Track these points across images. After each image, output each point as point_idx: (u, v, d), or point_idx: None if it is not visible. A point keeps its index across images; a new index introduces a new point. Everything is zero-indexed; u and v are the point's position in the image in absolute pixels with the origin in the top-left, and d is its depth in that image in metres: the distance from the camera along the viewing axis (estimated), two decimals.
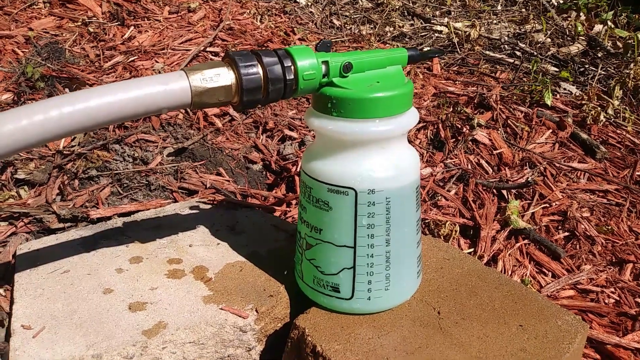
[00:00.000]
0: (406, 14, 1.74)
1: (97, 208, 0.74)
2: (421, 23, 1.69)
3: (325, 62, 0.48)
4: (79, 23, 1.20)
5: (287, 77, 0.46)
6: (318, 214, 0.53)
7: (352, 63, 0.49)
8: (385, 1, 1.74)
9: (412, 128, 0.53)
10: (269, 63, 0.45)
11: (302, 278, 0.57)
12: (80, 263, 0.62)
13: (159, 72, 1.01)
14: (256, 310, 0.55)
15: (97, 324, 0.52)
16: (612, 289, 0.72)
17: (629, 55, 1.55)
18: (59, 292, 0.57)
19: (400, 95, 0.50)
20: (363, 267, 0.52)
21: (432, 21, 1.68)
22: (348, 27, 1.55)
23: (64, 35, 1.12)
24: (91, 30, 1.17)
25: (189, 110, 0.95)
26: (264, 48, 1.16)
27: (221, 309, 0.55)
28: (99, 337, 0.51)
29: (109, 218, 0.74)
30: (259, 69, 0.45)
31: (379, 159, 0.51)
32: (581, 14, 2.00)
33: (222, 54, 1.18)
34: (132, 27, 1.22)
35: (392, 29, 1.56)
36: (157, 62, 1.07)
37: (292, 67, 0.46)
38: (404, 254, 0.54)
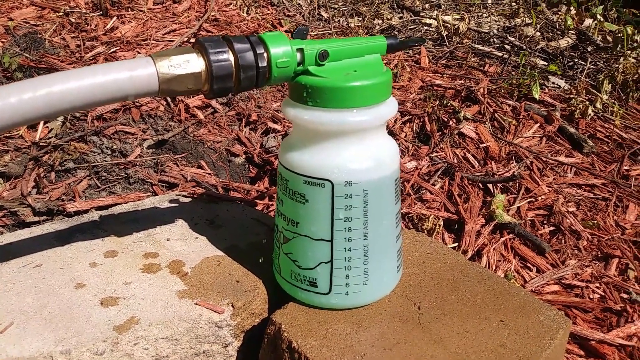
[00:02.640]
0: (395, 6, 1.73)
1: (74, 201, 0.73)
2: (410, 16, 1.67)
3: (301, 50, 0.47)
4: (61, 13, 1.18)
5: (260, 65, 0.44)
6: (294, 206, 0.51)
7: (329, 51, 0.48)
8: None
9: (390, 118, 0.52)
10: (240, 50, 0.43)
11: (280, 272, 0.55)
12: (54, 257, 0.61)
13: None
14: (232, 306, 0.54)
15: (68, 319, 0.51)
16: (597, 284, 0.71)
17: (618, 49, 1.54)
18: (30, 286, 0.55)
19: (378, 84, 0.48)
20: (340, 261, 0.51)
21: (421, 14, 1.67)
22: (336, 20, 1.54)
23: (44, 25, 1.10)
24: (73, 20, 1.15)
25: (169, 101, 0.93)
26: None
27: (196, 304, 0.54)
28: (68, 333, 0.49)
29: (86, 211, 0.72)
30: (229, 56, 0.43)
31: (356, 150, 0.49)
32: (572, 8, 1.99)
33: None
34: (115, 18, 1.20)
35: (380, 21, 1.54)
36: (139, 52, 1.05)
37: (265, 54, 0.45)
38: (382, 248, 0.53)
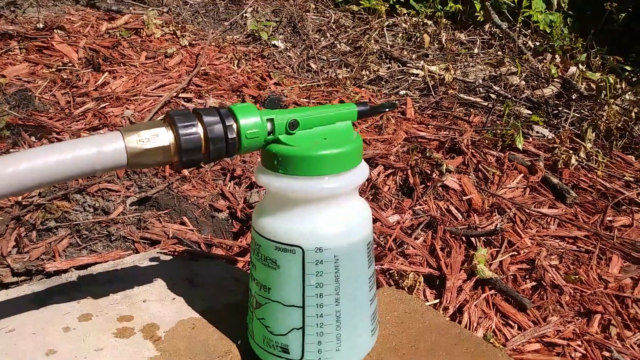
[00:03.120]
0: (384, 57, 1.77)
1: (54, 261, 0.73)
2: (398, 66, 1.71)
3: (271, 120, 0.48)
4: (53, 69, 1.21)
5: (229, 136, 0.45)
6: (266, 272, 0.51)
7: (299, 120, 0.49)
8: (363, 45, 1.77)
9: (361, 183, 0.52)
10: (209, 122, 0.45)
11: (253, 337, 0.55)
12: (28, 321, 0.60)
13: (129, 120, 1.01)
14: None
15: None
16: (579, 342, 0.70)
17: (602, 97, 1.58)
18: (1, 352, 0.55)
19: (348, 152, 0.49)
20: (312, 327, 0.51)
21: (408, 64, 1.71)
22: (325, 71, 1.57)
23: (35, 82, 1.12)
24: (64, 76, 1.17)
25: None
26: (237, 93, 1.17)
27: None
28: None
29: (65, 271, 0.72)
30: (198, 129, 0.44)
31: (327, 216, 0.50)
32: (556, 56, 2.04)
33: (195, 100, 1.18)
34: (106, 73, 1.22)
35: (368, 72, 1.58)
36: (127, 108, 1.07)
37: (235, 126, 0.46)
38: (355, 313, 0.53)
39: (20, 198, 0.79)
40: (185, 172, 0.94)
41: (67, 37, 1.37)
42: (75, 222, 0.77)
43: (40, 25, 1.41)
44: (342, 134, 0.51)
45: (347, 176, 0.50)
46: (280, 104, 0.51)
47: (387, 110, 0.57)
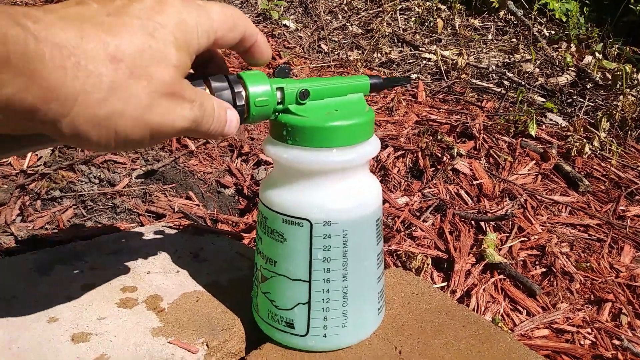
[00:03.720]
0: (396, 40, 1.74)
1: (58, 230, 0.72)
2: (410, 50, 1.68)
3: (281, 89, 0.46)
4: None
5: (238, 103, 0.44)
6: (273, 245, 0.50)
7: (310, 90, 0.47)
8: (375, 27, 1.74)
9: (372, 157, 0.51)
10: (218, 88, 0.43)
11: (258, 312, 0.54)
12: (30, 289, 0.60)
13: None
14: (207, 345, 0.53)
15: (36, 355, 0.49)
16: (589, 330, 0.69)
17: (617, 87, 1.55)
18: (2, 319, 0.54)
19: (360, 124, 0.48)
20: (318, 302, 0.50)
21: (420, 48, 1.68)
22: (336, 52, 1.55)
23: None
24: None
25: None
26: (245, 70, 1.15)
27: (169, 342, 0.52)
28: None
29: (70, 241, 0.71)
30: None
31: (336, 189, 0.49)
32: (572, 45, 2.00)
33: None
34: None
35: (380, 55, 1.56)
36: None
37: (244, 93, 0.44)
38: (363, 289, 0.51)
39: (25, 166, 0.78)
40: (192, 147, 0.92)
41: None
42: (80, 193, 0.76)
43: None
44: (354, 106, 0.50)
45: (358, 149, 0.48)
46: (290, 74, 0.49)
47: (401, 84, 0.56)
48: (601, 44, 1.96)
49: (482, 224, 0.86)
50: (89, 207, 0.76)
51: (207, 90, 0.43)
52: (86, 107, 0.32)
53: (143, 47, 0.34)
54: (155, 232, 0.73)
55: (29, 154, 0.79)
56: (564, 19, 2.26)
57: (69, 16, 0.32)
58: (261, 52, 0.45)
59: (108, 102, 0.32)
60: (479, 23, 2.08)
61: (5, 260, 0.66)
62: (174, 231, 0.74)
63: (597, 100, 1.50)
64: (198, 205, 0.82)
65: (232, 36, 0.41)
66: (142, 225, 0.78)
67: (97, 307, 0.57)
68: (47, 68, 0.29)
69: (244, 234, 0.77)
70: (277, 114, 0.47)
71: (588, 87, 1.61)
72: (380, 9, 1.95)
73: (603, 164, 1.14)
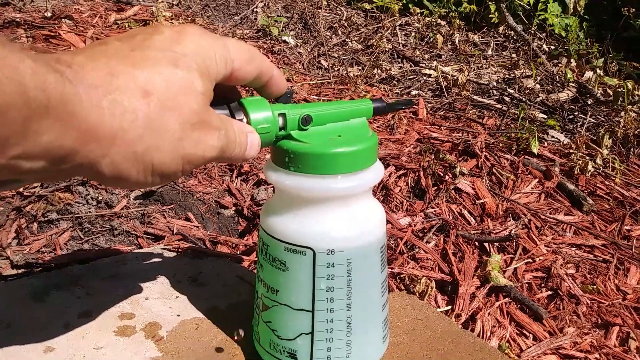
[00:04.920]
0: (396, 56, 1.74)
1: (54, 254, 0.71)
2: (410, 66, 1.68)
3: (283, 115, 0.45)
4: None
5: None
6: (274, 273, 0.49)
7: (312, 115, 0.46)
8: (375, 43, 1.74)
9: (376, 183, 0.50)
10: None
11: (259, 341, 0.53)
12: (26, 316, 0.58)
13: None
14: None
15: None
16: (597, 355, 0.68)
17: (619, 103, 1.54)
18: None
19: (363, 150, 0.47)
20: (322, 332, 0.48)
21: (420, 64, 1.68)
22: (336, 69, 1.55)
23: None
24: None
25: None
26: (246, 87, 1.14)
27: None
28: None
29: (66, 265, 0.69)
30: None
31: (340, 217, 0.48)
32: (572, 60, 2.01)
33: None
34: None
35: (380, 71, 1.55)
36: None
37: (245, 120, 0.43)
38: (367, 319, 0.50)
39: (21, 189, 0.77)
40: None
41: (74, 27, 1.35)
42: (77, 215, 0.75)
43: (48, 14, 1.39)
44: (357, 131, 0.49)
45: (361, 175, 0.47)
46: (292, 99, 0.48)
47: (403, 107, 0.55)
48: (602, 59, 1.96)
49: (486, 244, 0.85)
50: (86, 230, 0.75)
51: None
52: (124, 145, 0.32)
53: (170, 77, 0.34)
54: (154, 256, 0.72)
55: None
56: (564, 34, 2.26)
57: (96, 56, 0.33)
58: (278, 85, 0.46)
59: (144, 138, 0.33)
60: (479, 38, 2.08)
61: (1, 284, 0.64)
62: (172, 254, 0.73)
63: (598, 117, 1.49)
64: (197, 227, 0.80)
65: (250, 69, 0.42)
66: (141, 247, 0.76)
67: (94, 335, 0.55)
68: (85, 109, 0.29)
69: (244, 257, 0.76)
70: (278, 139, 0.46)
71: (589, 103, 1.61)
72: (380, 24, 1.96)
73: (606, 182, 1.13)
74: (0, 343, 0.53)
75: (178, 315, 0.60)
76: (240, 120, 0.43)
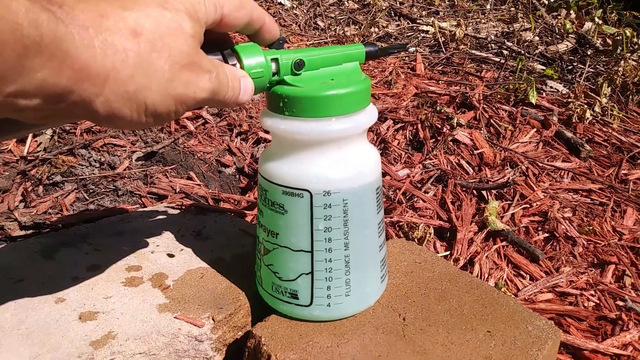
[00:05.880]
0: (393, 14, 1.72)
1: (61, 215, 0.72)
2: (407, 23, 1.67)
3: (275, 60, 0.46)
4: None
5: None
6: (274, 217, 0.50)
7: (305, 60, 0.47)
8: (371, 2, 1.72)
9: (370, 126, 0.51)
10: None
11: (262, 284, 0.55)
12: (36, 272, 0.60)
13: None
14: (213, 319, 0.53)
15: (45, 334, 0.50)
16: (592, 292, 0.70)
17: (618, 51, 1.53)
18: (10, 301, 0.55)
19: (356, 92, 0.47)
20: (321, 272, 0.50)
21: (418, 21, 1.66)
22: (332, 29, 1.54)
23: None
24: None
25: None
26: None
27: (176, 317, 0.53)
28: (44, 349, 0.48)
29: (73, 225, 0.71)
30: None
31: (335, 159, 0.49)
32: (571, 12, 1.98)
33: None
34: None
35: (377, 29, 1.54)
36: None
37: (238, 66, 0.44)
38: (365, 258, 0.52)
39: (25, 152, 0.78)
40: (191, 127, 0.92)
41: None
42: (81, 177, 0.76)
43: None
44: (350, 75, 0.49)
45: (355, 118, 0.48)
46: (285, 44, 0.49)
47: (396, 51, 0.55)
48: (600, 10, 1.93)
49: (484, 192, 0.86)
50: (90, 191, 0.76)
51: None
52: (116, 84, 0.33)
53: (159, 19, 0.35)
54: (158, 213, 0.74)
55: (29, 139, 0.79)
56: None
57: None
58: (270, 31, 0.46)
59: (135, 77, 0.33)
60: None
61: (11, 244, 0.66)
62: (176, 211, 0.75)
63: (597, 66, 1.48)
64: (199, 185, 0.82)
65: (240, 15, 0.42)
66: (145, 206, 0.78)
67: (103, 286, 0.57)
68: (78, 49, 0.30)
69: (246, 212, 0.77)
70: (272, 85, 0.47)
71: (588, 53, 1.59)
72: None
73: (604, 129, 1.13)
74: (13, 296, 0.56)
75: (183, 266, 0.61)
76: (234, 65, 0.43)
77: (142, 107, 0.35)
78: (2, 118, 0.31)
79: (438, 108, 1.02)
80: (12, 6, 0.27)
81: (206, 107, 0.43)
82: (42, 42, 0.28)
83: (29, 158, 0.78)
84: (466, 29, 1.58)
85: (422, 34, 1.60)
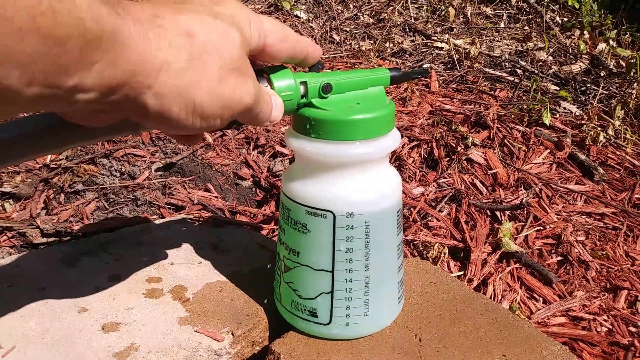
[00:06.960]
0: (407, 29, 1.74)
1: (82, 223, 0.74)
2: (422, 39, 1.68)
3: (304, 83, 0.47)
4: None
5: None
6: (296, 236, 0.51)
7: (332, 84, 0.48)
8: (386, 17, 1.73)
9: (393, 150, 0.52)
10: None
11: (281, 301, 0.55)
12: (59, 280, 0.61)
13: None
14: (232, 334, 0.54)
15: (69, 344, 0.51)
16: (605, 317, 0.70)
17: (631, 74, 1.54)
18: (34, 309, 0.56)
19: (381, 117, 0.49)
20: (341, 292, 0.51)
21: (432, 37, 1.68)
22: (348, 43, 1.55)
23: None
24: None
25: None
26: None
27: (196, 331, 0.54)
28: (68, 358, 0.49)
29: (93, 233, 0.73)
30: None
31: (358, 182, 0.50)
32: (585, 32, 1.99)
33: None
34: None
35: (392, 45, 1.55)
36: None
37: (269, 88, 0.45)
38: (384, 279, 0.53)
39: (48, 160, 0.79)
40: (210, 139, 0.94)
41: None
42: (102, 186, 0.78)
43: None
44: (375, 99, 0.50)
45: (379, 142, 0.49)
46: (320, 67, 0.50)
47: (419, 76, 0.56)
48: (615, 31, 1.94)
49: (498, 213, 0.87)
50: (111, 200, 0.77)
51: None
52: (169, 77, 0.34)
53: (211, 25, 0.37)
54: (176, 224, 0.75)
55: None
56: (577, 6, 2.23)
57: (142, 2, 0.35)
58: (314, 59, 0.48)
59: (187, 72, 0.35)
60: (491, 11, 2.06)
61: (33, 251, 0.67)
62: (194, 223, 0.76)
63: (611, 88, 1.49)
64: (217, 197, 0.83)
65: (282, 48, 0.43)
66: (163, 217, 0.79)
67: (125, 297, 0.58)
68: (134, 41, 0.31)
69: (263, 225, 0.78)
70: (299, 107, 0.48)
71: (602, 74, 1.60)
72: None
73: (618, 152, 1.14)
74: (36, 304, 0.57)
75: (202, 279, 0.62)
76: (265, 87, 0.45)
77: (191, 105, 0.36)
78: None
79: (453, 127, 1.03)
80: (76, 1, 0.28)
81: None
82: (102, 35, 0.29)
83: (51, 166, 0.80)
84: (480, 47, 1.60)
85: (437, 51, 1.61)
